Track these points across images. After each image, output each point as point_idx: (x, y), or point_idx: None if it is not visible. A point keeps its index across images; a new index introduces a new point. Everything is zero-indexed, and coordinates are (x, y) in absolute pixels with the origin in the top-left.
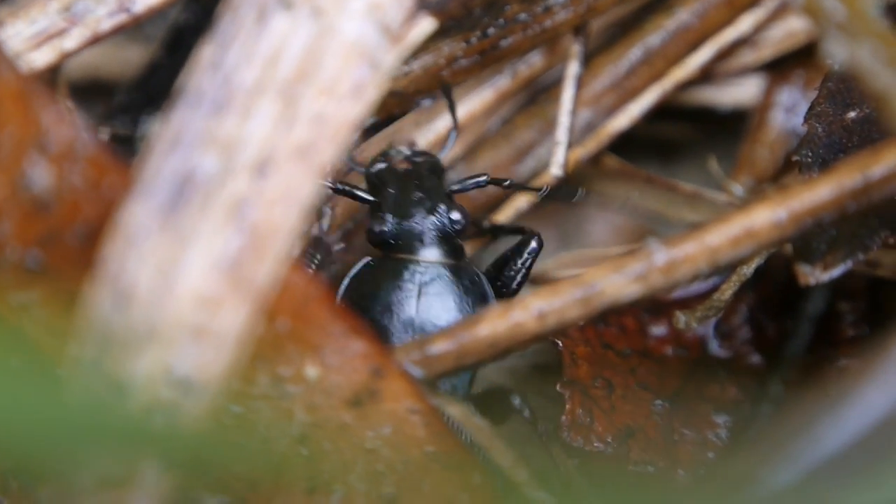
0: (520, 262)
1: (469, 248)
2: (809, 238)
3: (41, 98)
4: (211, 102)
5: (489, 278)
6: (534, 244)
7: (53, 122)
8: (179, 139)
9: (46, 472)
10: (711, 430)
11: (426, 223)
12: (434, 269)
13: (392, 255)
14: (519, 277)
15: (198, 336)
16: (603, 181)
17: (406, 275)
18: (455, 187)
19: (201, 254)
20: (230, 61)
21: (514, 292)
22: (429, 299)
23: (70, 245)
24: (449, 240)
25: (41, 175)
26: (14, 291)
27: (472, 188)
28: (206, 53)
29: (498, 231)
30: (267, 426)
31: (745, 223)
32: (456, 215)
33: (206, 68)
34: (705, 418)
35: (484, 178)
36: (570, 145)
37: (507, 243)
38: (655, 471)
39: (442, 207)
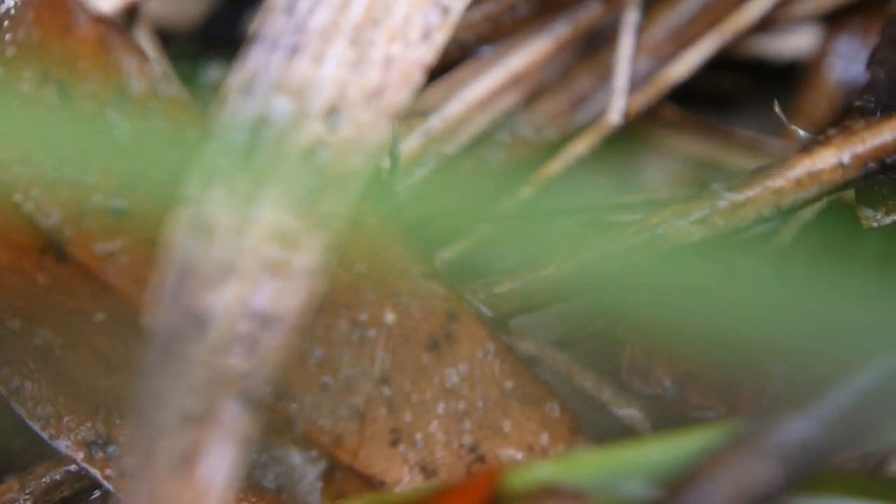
0: None
1: None
2: (871, 183)
3: (121, 44)
4: (285, 47)
5: None
6: None
7: (135, 67)
8: (255, 83)
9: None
10: (769, 380)
11: None
12: None
13: None
14: None
15: (275, 272)
16: (661, 130)
17: None
18: None
19: (278, 193)
20: (303, 6)
21: None
22: None
23: (150, 192)
24: None
25: (124, 121)
26: (99, 241)
27: None
28: None
29: None
30: (350, 366)
31: (809, 165)
32: None
33: (279, 13)
34: (764, 368)
35: None
36: (629, 93)
37: None
38: (715, 416)
39: None
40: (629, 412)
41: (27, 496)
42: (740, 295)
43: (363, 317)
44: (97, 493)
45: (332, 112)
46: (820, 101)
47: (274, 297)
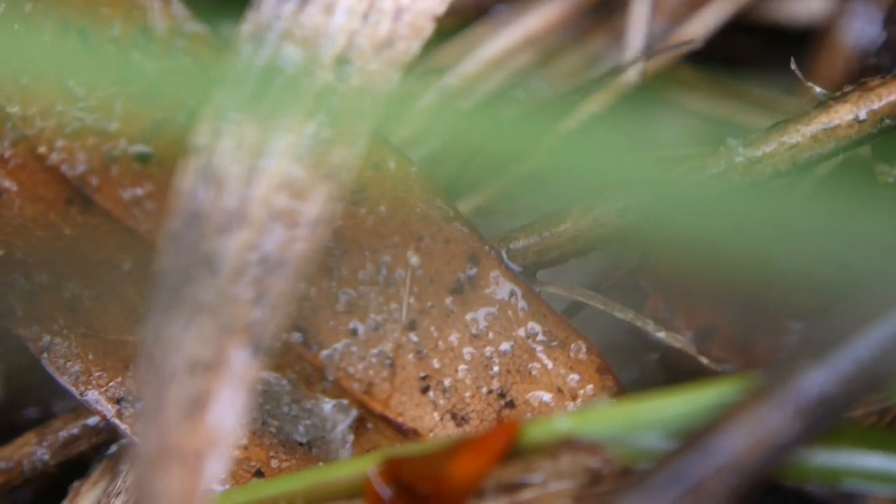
0: None
1: None
2: (888, 138)
3: None
4: None
5: None
6: None
7: (158, 7)
8: (268, 31)
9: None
10: (786, 335)
11: None
12: None
13: None
14: None
15: (283, 220)
16: (676, 89)
17: None
18: None
19: (288, 139)
20: None
21: None
22: None
23: (174, 138)
24: None
25: (149, 61)
26: (125, 187)
27: None
28: None
29: None
30: (377, 311)
31: (825, 121)
32: None
33: None
34: (782, 322)
35: None
36: (645, 54)
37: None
38: (733, 369)
39: None
40: (674, 338)
41: (45, 450)
42: (759, 246)
43: (387, 258)
44: (114, 448)
45: (342, 62)
46: (835, 63)
47: (282, 244)
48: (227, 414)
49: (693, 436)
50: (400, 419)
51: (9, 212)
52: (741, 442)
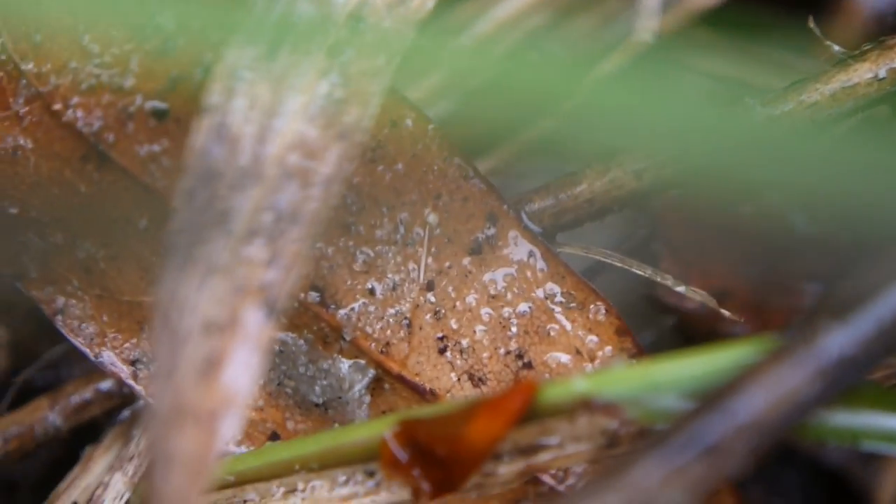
0: None
1: None
2: None
3: None
4: None
5: None
6: None
7: None
8: None
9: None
10: (802, 297)
11: None
12: None
13: None
14: None
15: (296, 179)
16: (692, 51)
17: None
18: None
19: (301, 99)
20: None
21: None
22: None
23: (190, 94)
24: None
25: (164, 16)
26: (142, 144)
27: None
28: None
29: None
30: (395, 271)
31: (844, 80)
32: None
33: None
34: (797, 285)
35: None
36: (661, 15)
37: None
38: (748, 332)
39: None
40: (694, 292)
41: (57, 415)
42: (776, 207)
43: (405, 216)
44: (127, 413)
45: (356, 18)
46: (853, 23)
47: (296, 203)
48: (242, 374)
49: (712, 396)
50: (417, 379)
51: (24, 169)
52: (761, 402)
